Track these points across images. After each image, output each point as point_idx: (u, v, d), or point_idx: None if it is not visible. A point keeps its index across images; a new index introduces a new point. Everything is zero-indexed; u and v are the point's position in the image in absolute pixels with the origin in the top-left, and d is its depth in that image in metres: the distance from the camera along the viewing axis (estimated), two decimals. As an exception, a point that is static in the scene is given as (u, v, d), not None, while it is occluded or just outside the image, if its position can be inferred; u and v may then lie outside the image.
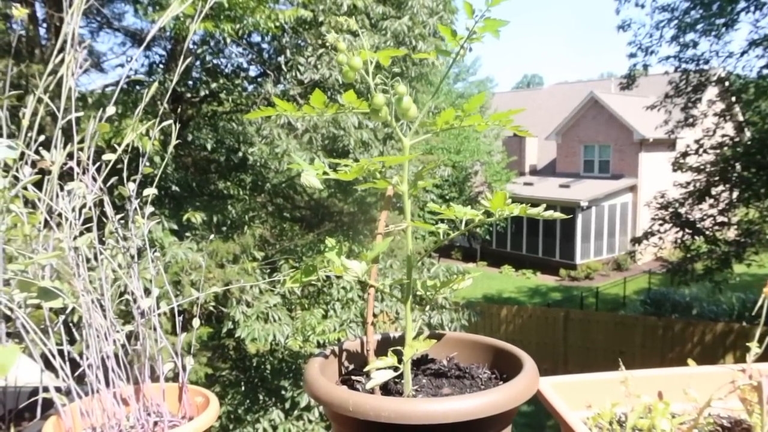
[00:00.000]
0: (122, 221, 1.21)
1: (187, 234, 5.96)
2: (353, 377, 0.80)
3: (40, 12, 7.05)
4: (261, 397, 6.64)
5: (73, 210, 0.85)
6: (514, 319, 14.02)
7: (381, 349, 0.81)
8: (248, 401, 6.68)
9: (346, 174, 0.71)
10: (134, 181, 1.14)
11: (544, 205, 0.69)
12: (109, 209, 0.92)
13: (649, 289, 17.31)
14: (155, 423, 0.81)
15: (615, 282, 18.81)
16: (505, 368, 0.79)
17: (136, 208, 0.97)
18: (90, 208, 0.87)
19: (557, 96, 30.23)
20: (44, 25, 7.19)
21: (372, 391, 0.73)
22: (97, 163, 0.92)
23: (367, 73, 0.76)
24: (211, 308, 6.08)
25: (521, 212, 0.69)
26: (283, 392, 6.54)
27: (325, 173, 0.71)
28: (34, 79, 5.01)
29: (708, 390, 0.77)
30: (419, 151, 7.77)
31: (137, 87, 7.13)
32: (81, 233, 0.88)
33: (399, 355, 0.73)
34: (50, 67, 0.91)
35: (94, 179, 0.88)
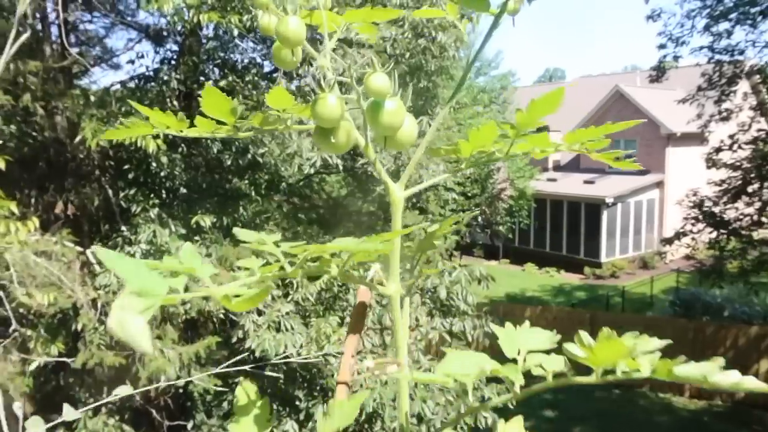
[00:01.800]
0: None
1: (197, 238, 5.69)
2: None
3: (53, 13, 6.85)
4: (274, 407, 6.37)
5: None
6: (538, 321, 13.60)
7: None
8: (261, 411, 6.43)
9: (232, 299, 0.36)
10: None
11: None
12: None
13: (678, 288, 16.73)
14: None
15: (642, 281, 18.24)
16: None
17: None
18: None
19: (580, 90, 29.53)
20: (56, 22, 6.98)
21: None
22: None
23: (324, 52, 0.42)
24: (222, 316, 5.81)
25: (661, 375, 0.34)
26: (297, 403, 6.26)
27: (173, 290, 0.36)
28: (33, 76, 4.76)
29: None
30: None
31: (149, 84, 6.88)
32: None
33: None
34: None
35: None
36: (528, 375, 0.44)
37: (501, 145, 0.44)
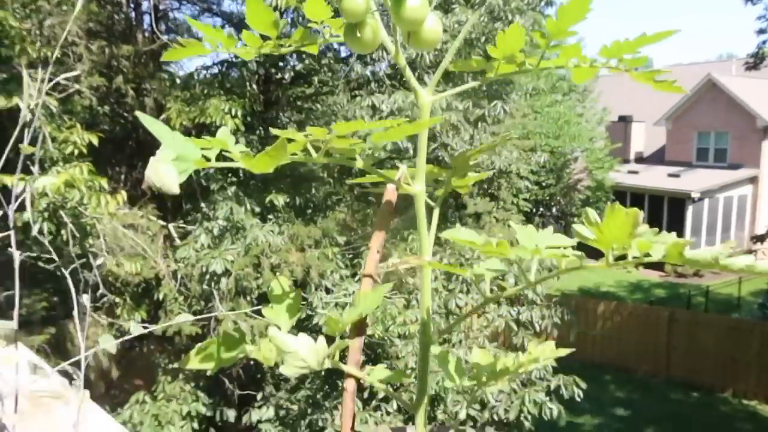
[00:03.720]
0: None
1: (270, 216, 5.90)
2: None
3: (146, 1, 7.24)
4: (339, 385, 6.54)
5: None
6: (612, 316, 13.14)
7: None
8: (327, 387, 6.60)
9: (251, 161, 0.39)
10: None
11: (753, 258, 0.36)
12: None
13: (769, 291, 15.66)
14: None
15: (728, 281, 17.18)
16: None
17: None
18: None
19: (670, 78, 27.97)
20: (148, 10, 7.37)
21: None
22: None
23: None
24: (292, 292, 6.00)
25: (670, 257, 0.35)
26: (361, 381, 6.40)
27: (220, 157, 0.40)
28: (125, 60, 5.06)
29: None
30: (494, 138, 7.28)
31: (231, 69, 7.16)
32: None
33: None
34: None
35: None
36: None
37: (534, 58, 0.44)
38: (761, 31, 11.52)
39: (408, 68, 0.44)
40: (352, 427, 0.49)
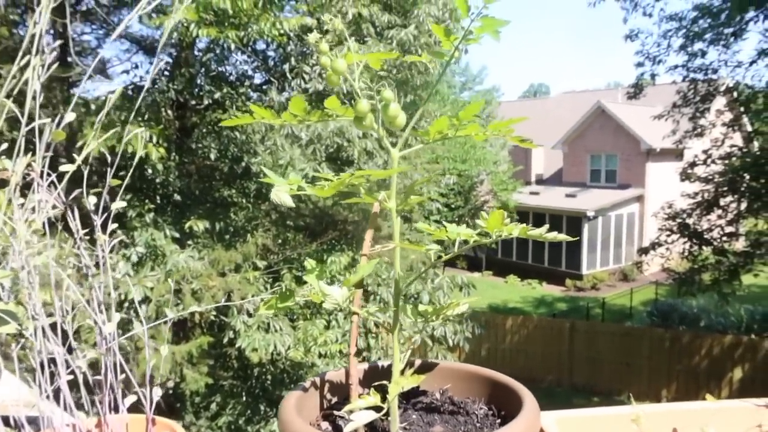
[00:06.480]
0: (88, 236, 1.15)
1: (189, 242, 5.90)
2: (335, 413, 0.73)
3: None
4: (262, 408, 6.56)
5: (31, 225, 0.78)
6: (520, 329, 13.87)
7: (368, 381, 0.74)
8: (249, 411, 6.61)
9: (322, 190, 0.64)
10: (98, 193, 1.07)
11: (546, 226, 0.62)
12: (73, 224, 0.85)
13: (656, 300, 17.12)
14: (118, 460, 0.73)
15: (621, 292, 18.63)
16: (503, 404, 0.72)
17: (99, 222, 0.90)
18: (44, 223, 0.80)
19: (564, 105, 30.12)
20: (51, 31, 7.18)
21: (352, 435, 0.66)
22: (55, 174, 0.85)
23: (354, 77, 0.69)
24: (213, 317, 6.01)
25: (521, 233, 0.62)
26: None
27: (299, 188, 0.65)
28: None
29: (728, 428, 0.69)
30: (410, 163, 7.68)
31: (142, 94, 7.10)
32: (39, 252, 0.81)
33: (384, 391, 0.66)
34: (14, 68, 0.85)
35: (55, 189, 0.81)
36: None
37: (452, 131, 0.71)
38: (639, 65, 12.78)
39: (386, 138, 0.68)
40: (355, 354, 0.71)
